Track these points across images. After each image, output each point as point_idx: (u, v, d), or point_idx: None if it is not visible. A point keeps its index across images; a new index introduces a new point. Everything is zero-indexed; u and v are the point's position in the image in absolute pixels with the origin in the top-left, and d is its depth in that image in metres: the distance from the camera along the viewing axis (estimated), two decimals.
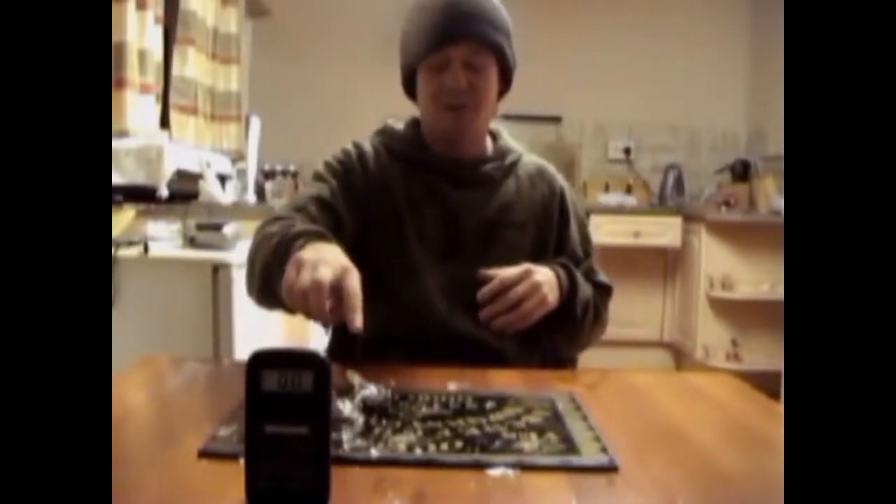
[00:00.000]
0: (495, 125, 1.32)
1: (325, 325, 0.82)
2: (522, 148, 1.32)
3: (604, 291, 1.27)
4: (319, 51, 4.11)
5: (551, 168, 1.33)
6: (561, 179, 1.32)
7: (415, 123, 1.27)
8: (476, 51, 1.16)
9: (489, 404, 0.88)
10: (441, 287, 1.17)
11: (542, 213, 1.26)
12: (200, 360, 1.18)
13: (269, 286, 1.00)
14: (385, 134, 1.27)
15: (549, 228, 1.27)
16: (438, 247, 1.19)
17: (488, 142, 1.29)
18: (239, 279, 1.99)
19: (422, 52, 1.17)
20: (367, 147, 1.25)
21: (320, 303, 0.80)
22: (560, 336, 1.22)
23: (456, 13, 1.14)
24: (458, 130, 1.20)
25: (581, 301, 1.17)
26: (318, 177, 1.22)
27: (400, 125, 1.28)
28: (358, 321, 0.79)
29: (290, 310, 1.06)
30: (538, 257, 1.20)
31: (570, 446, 0.75)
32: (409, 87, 1.25)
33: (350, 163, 1.22)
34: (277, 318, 1.29)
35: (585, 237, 1.31)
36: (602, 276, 1.28)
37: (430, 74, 1.18)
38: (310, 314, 0.82)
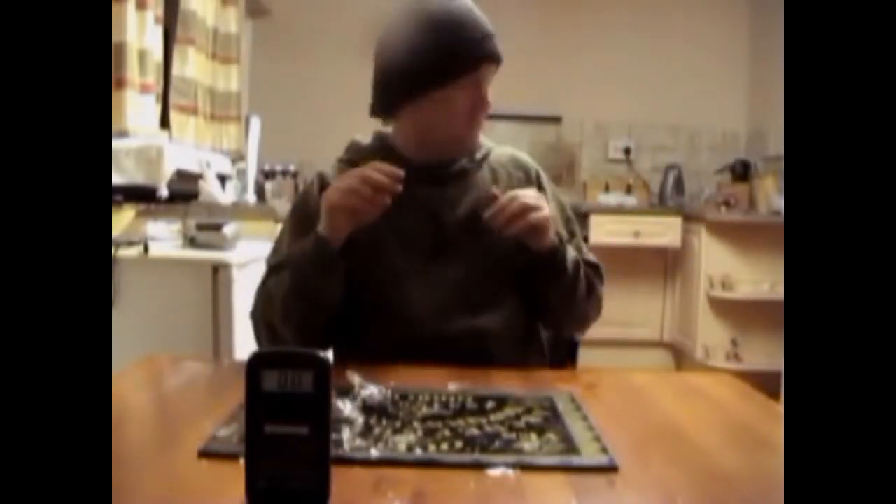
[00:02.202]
0: None
1: (379, 203, 1.04)
2: (492, 143, 1.32)
3: (594, 268, 1.26)
4: (319, 51, 4.11)
5: (524, 155, 1.34)
6: (535, 165, 1.33)
7: (380, 138, 1.27)
8: (496, 68, 1.20)
9: (489, 404, 0.88)
10: (431, 289, 1.16)
11: None
12: (200, 360, 1.18)
13: (306, 289, 1.09)
14: (351, 150, 1.28)
15: None
16: (425, 247, 1.18)
17: None
18: (239, 279, 1.99)
19: (454, 71, 1.15)
20: (330, 174, 1.24)
21: (370, 182, 1.02)
22: (556, 297, 1.20)
23: (478, 31, 1.15)
24: (477, 140, 1.25)
25: (571, 258, 1.17)
26: (286, 230, 1.24)
27: (367, 139, 1.29)
28: (400, 171, 1.03)
29: (325, 304, 1.13)
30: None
31: (570, 446, 0.75)
32: (389, 105, 1.22)
33: (312, 200, 1.20)
34: None
35: (568, 219, 1.31)
36: (590, 256, 1.28)
37: (463, 92, 1.16)
38: (364, 198, 1.02)
